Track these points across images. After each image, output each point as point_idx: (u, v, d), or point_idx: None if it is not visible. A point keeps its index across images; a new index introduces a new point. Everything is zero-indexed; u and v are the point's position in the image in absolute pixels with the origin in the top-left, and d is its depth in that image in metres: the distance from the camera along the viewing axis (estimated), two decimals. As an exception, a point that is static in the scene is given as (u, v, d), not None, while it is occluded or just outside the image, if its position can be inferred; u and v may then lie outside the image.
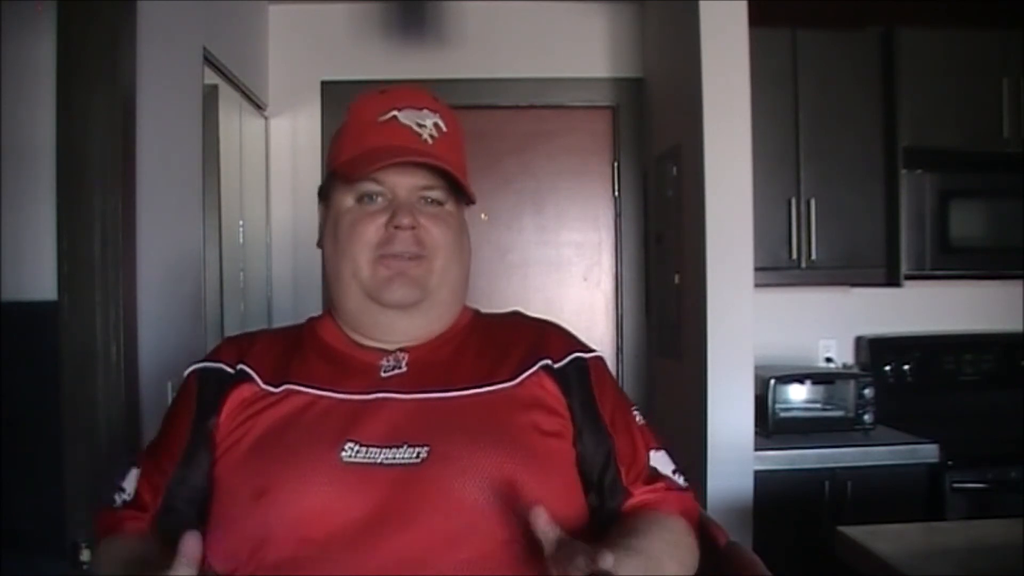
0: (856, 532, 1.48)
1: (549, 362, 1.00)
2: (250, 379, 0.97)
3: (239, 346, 1.03)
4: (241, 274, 2.63)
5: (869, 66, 2.52)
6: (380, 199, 0.99)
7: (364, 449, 0.88)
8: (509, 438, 0.92)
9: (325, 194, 1.05)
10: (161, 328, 1.83)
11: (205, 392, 0.98)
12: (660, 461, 1.02)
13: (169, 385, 1.02)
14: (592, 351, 1.06)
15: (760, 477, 2.21)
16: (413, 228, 0.98)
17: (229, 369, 0.98)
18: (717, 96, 2.22)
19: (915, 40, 2.50)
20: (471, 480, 0.87)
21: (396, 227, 0.97)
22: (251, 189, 2.75)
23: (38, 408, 1.68)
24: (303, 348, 1.02)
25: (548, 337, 1.05)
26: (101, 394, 1.58)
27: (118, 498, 0.97)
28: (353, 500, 0.85)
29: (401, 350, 1.00)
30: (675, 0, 2.50)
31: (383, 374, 0.98)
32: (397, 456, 0.88)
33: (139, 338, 1.67)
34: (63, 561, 1.55)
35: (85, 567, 1.53)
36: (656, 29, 2.81)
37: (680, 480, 1.03)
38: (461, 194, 1.02)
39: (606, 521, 0.97)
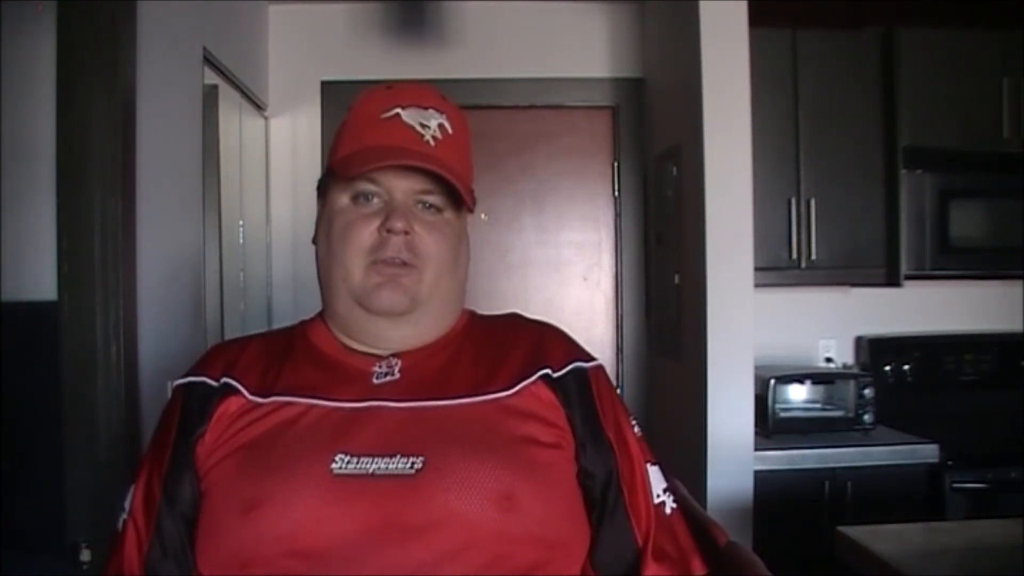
0: (856, 532, 1.48)
1: (549, 371, 0.97)
2: (236, 392, 0.93)
3: (227, 356, 0.99)
4: (241, 274, 2.63)
5: (869, 66, 2.52)
6: (376, 200, 0.95)
7: (355, 460, 0.85)
8: (506, 449, 0.89)
9: (323, 189, 1.02)
10: (161, 328, 1.83)
11: (190, 408, 0.95)
12: (655, 478, 1.00)
13: (169, 385, 1.01)
14: (592, 359, 1.02)
15: (760, 477, 2.21)
16: (406, 233, 0.93)
17: (213, 383, 0.95)
18: (717, 96, 2.22)
19: (915, 40, 2.50)
20: (466, 492, 0.83)
21: (388, 231, 0.93)
22: (251, 189, 2.74)
23: (38, 408, 1.68)
24: (294, 354, 0.99)
25: (547, 343, 1.02)
26: (101, 394, 1.57)
27: (119, 521, 0.95)
28: (344, 513, 0.82)
29: (394, 355, 0.97)
30: (675, 0, 2.50)
31: (375, 381, 0.94)
32: (390, 467, 0.84)
33: (139, 338, 1.67)
34: (63, 561, 1.54)
35: (85, 567, 1.52)
36: (656, 29, 2.81)
37: (671, 501, 1.00)
38: (462, 199, 0.98)
39: None
